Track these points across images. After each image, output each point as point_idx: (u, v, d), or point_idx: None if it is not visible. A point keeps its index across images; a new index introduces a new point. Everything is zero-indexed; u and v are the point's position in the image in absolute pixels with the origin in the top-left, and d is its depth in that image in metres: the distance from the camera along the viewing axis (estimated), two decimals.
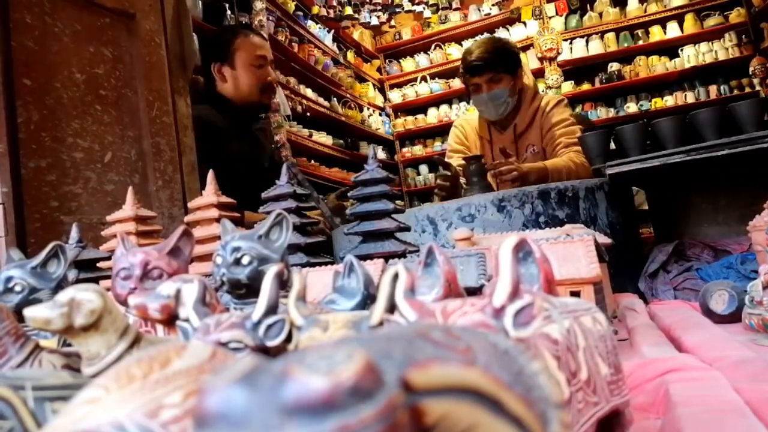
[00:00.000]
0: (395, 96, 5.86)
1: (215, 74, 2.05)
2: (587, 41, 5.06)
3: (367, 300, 0.54)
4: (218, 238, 0.85)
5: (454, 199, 1.89)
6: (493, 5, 5.39)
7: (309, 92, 4.21)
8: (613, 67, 4.97)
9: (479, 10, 5.50)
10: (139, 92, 1.62)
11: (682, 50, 4.77)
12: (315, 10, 4.58)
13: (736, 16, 4.54)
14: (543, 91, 5.09)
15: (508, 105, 2.11)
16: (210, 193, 0.95)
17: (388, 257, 0.88)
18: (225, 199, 0.95)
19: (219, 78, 2.05)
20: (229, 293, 0.64)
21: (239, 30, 2.15)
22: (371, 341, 0.22)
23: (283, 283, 0.51)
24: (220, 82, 2.06)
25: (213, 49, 2.09)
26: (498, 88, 2.07)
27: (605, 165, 1.43)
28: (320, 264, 0.85)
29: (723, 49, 4.60)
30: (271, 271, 0.44)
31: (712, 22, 4.65)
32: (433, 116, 5.67)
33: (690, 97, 4.74)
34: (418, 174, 5.79)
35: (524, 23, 5.26)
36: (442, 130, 5.66)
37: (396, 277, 0.40)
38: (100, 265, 0.94)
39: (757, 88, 4.36)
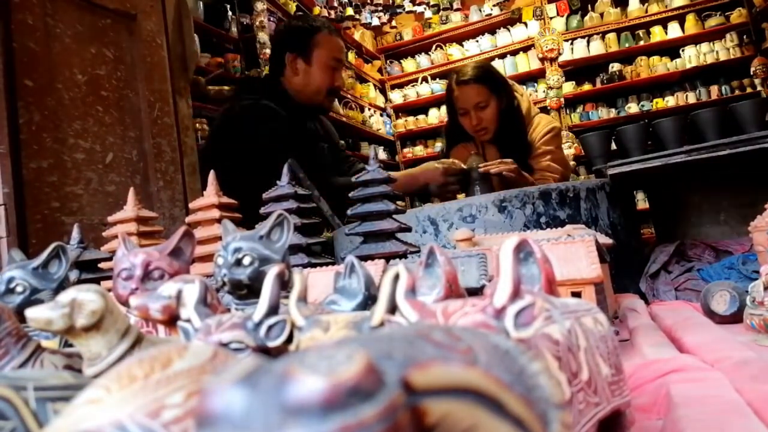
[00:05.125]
0: (396, 96, 5.86)
1: (288, 64, 1.97)
2: (588, 41, 5.06)
3: (368, 301, 0.54)
4: (219, 238, 0.85)
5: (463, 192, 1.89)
6: (494, 6, 5.39)
7: None
8: (614, 67, 4.97)
9: (480, 10, 5.50)
10: (141, 93, 1.62)
11: (683, 50, 4.77)
12: (316, 10, 4.59)
13: (737, 16, 4.54)
14: (544, 91, 5.10)
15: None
16: (211, 194, 0.95)
17: (389, 258, 0.88)
18: (226, 199, 0.95)
19: (290, 70, 1.97)
20: (231, 294, 0.64)
21: (323, 26, 2.04)
22: (372, 342, 0.22)
23: (284, 284, 0.51)
24: (289, 74, 1.98)
25: (292, 38, 2.00)
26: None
27: (606, 165, 1.43)
28: (321, 264, 0.85)
29: (724, 50, 4.60)
30: (272, 272, 0.44)
31: (713, 22, 4.65)
32: (434, 117, 5.68)
33: (691, 98, 4.74)
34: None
35: (525, 24, 5.27)
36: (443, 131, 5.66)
37: (397, 277, 0.40)
38: (101, 265, 0.94)
39: (759, 88, 4.35)
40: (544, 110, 5.08)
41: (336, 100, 4.67)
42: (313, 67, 1.96)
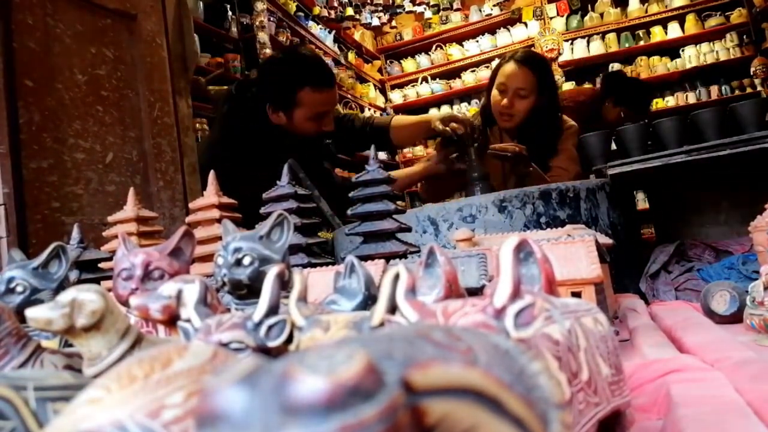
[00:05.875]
0: (396, 96, 5.86)
1: (269, 113, 1.85)
2: (588, 42, 5.06)
3: (368, 301, 0.54)
4: (219, 238, 0.85)
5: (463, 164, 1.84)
6: (494, 6, 5.40)
7: None
8: (615, 67, 4.97)
9: (480, 10, 5.50)
10: (141, 93, 1.62)
11: (683, 50, 4.77)
12: (316, 11, 4.59)
13: (737, 16, 4.54)
14: None
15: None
16: (211, 194, 0.95)
17: (389, 258, 0.88)
18: (226, 199, 0.95)
19: (272, 117, 1.85)
20: (231, 294, 0.64)
21: (307, 80, 1.80)
22: (372, 342, 0.22)
23: (284, 284, 0.51)
24: (274, 118, 1.86)
25: (271, 90, 1.84)
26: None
27: (606, 165, 1.43)
28: (321, 264, 0.85)
29: (724, 50, 4.60)
30: (272, 272, 0.44)
31: (713, 22, 4.65)
32: None
33: (691, 98, 4.74)
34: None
35: (525, 24, 5.27)
36: None
37: (397, 277, 0.40)
38: (101, 265, 0.94)
39: (759, 88, 4.35)
40: None
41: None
42: (295, 121, 1.83)
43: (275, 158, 1.44)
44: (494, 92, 2.01)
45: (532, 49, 5.10)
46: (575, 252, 0.75)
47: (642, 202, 2.28)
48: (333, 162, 2.12)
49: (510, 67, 1.98)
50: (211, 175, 0.96)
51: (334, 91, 1.93)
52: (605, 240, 0.93)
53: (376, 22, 5.26)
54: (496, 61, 5.27)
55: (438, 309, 0.38)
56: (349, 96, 5.00)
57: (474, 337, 0.27)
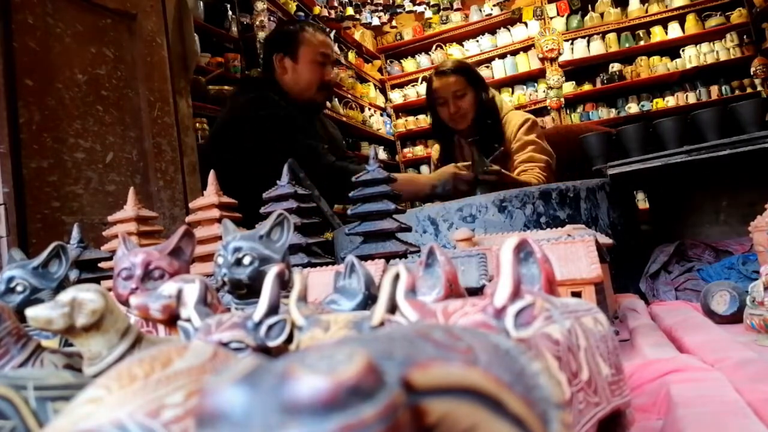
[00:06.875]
0: (396, 96, 5.86)
1: (276, 64, 2.05)
2: (588, 42, 5.05)
3: (368, 300, 0.54)
4: (219, 238, 0.85)
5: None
6: (494, 6, 5.39)
7: None
8: (615, 67, 4.97)
9: (480, 10, 5.50)
10: (141, 93, 1.62)
11: (683, 50, 4.77)
12: (316, 10, 4.59)
13: (737, 16, 4.53)
14: (544, 91, 5.10)
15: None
16: (211, 194, 0.95)
17: (389, 258, 0.88)
18: (226, 199, 0.95)
19: (279, 69, 2.05)
20: (231, 293, 0.64)
21: (306, 24, 2.15)
22: (372, 341, 0.22)
23: (284, 284, 0.51)
24: (279, 74, 2.05)
25: (277, 39, 2.10)
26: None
27: (606, 165, 1.43)
28: (321, 264, 0.85)
29: (724, 50, 4.60)
30: (272, 272, 0.44)
31: (713, 22, 4.64)
32: None
33: (691, 98, 4.74)
34: (420, 174, 5.80)
35: (525, 24, 5.27)
36: None
37: (397, 277, 0.40)
38: (101, 265, 0.94)
39: (759, 88, 4.35)
40: (545, 110, 5.08)
41: (336, 99, 4.69)
42: (301, 65, 2.03)
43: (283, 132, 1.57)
44: (439, 109, 2.21)
45: (521, 50, 5.13)
46: (575, 252, 0.75)
47: (642, 202, 2.29)
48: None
49: (438, 82, 2.20)
50: (211, 175, 0.96)
51: (330, 41, 2.20)
52: (605, 240, 0.93)
53: (376, 21, 5.26)
54: (496, 61, 5.31)
55: (438, 309, 0.38)
56: (350, 96, 5.00)
57: (474, 337, 0.27)
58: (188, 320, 0.49)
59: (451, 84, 2.15)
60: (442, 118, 2.21)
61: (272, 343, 0.43)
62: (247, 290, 0.62)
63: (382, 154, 5.55)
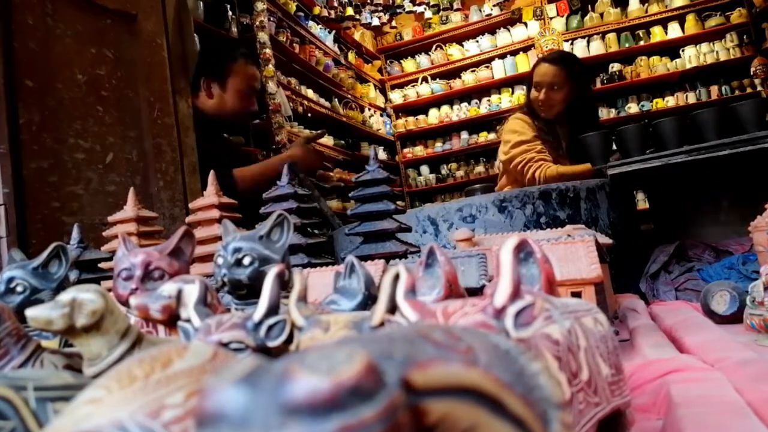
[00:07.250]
0: (396, 96, 5.86)
1: (203, 87, 2.06)
2: (588, 42, 5.05)
3: (368, 300, 0.54)
4: (219, 238, 0.85)
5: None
6: (494, 6, 5.39)
7: (310, 93, 4.21)
8: (615, 67, 4.97)
9: (480, 10, 5.50)
10: (141, 93, 1.62)
11: (683, 51, 4.77)
12: (316, 10, 4.58)
13: (737, 16, 4.53)
14: None
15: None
16: (211, 194, 0.95)
17: (389, 258, 0.88)
18: (226, 199, 0.95)
19: (205, 92, 2.06)
20: (231, 294, 0.64)
21: (239, 54, 2.15)
22: (372, 342, 0.22)
23: (284, 284, 0.51)
24: (203, 96, 2.07)
25: (209, 63, 2.09)
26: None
27: (606, 165, 1.43)
28: (321, 264, 0.85)
29: (724, 50, 4.59)
30: (272, 272, 0.44)
31: (713, 22, 4.64)
32: (434, 117, 5.67)
33: (691, 98, 4.73)
34: (419, 174, 5.79)
35: (525, 24, 5.26)
36: (443, 131, 5.66)
37: (397, 277, 0.40)
38: (101, 265, 0.94)
39: (759, 88, 4.35)
40: None
41: (336, 99, 4.69)
42: (228, 93, 2.07)
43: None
44: (533, 90, 2.26)
45: (521, 51, 5.12)
46: (575, 252, 0.75)
47: (642, 202, 2.29)
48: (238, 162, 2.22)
49: (542, 66, 2.25)
50: (211, 175, 0.96)
51: (259, 74, 2.30)
52: (605, 240, 0.93)
53: (376, 22, 5.26)
54: (496, 61, 5.31)
55: (438, 309, 0.38)
56: (350, 96, 5.00)
57: (474, 337, 0.27)
58: (188, 321, 0.49)
59: (550, 74, 2.19)
60: (532, 99, 2.27)
61: (272, 344, 0.43)
62: (247, 291, 0.62)
63: (382, 155, 5.55)
